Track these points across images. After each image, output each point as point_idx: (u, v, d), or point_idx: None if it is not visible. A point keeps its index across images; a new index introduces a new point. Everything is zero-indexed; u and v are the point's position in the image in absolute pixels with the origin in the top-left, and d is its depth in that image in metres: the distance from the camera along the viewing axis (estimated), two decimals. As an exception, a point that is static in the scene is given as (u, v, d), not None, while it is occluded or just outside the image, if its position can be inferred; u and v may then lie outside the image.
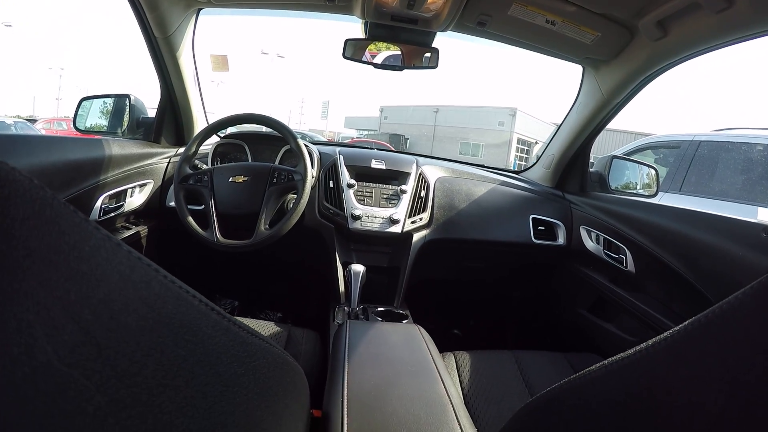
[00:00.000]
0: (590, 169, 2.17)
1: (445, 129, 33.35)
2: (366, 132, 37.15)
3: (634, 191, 2.18)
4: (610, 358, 0.45)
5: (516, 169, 2.63)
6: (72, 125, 1.98)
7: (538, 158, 2.43)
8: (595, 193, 2.12)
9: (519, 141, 31.84)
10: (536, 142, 33.33)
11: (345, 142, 22.68)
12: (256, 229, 1.62)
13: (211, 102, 2.03)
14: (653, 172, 2.17)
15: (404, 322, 1.59)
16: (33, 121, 18.22)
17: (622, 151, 4.84)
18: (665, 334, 0.39)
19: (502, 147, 31.04)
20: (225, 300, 2.53)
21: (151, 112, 2.08)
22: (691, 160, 4.06)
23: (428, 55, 1.84)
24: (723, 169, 3.90)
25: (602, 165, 2.12)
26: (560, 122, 2.21)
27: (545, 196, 2.20)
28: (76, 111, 2.00)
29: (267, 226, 1.64)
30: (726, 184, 3.83)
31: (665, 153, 4.60)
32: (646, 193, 2.16)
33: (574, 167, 2.21)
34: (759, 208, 3.35)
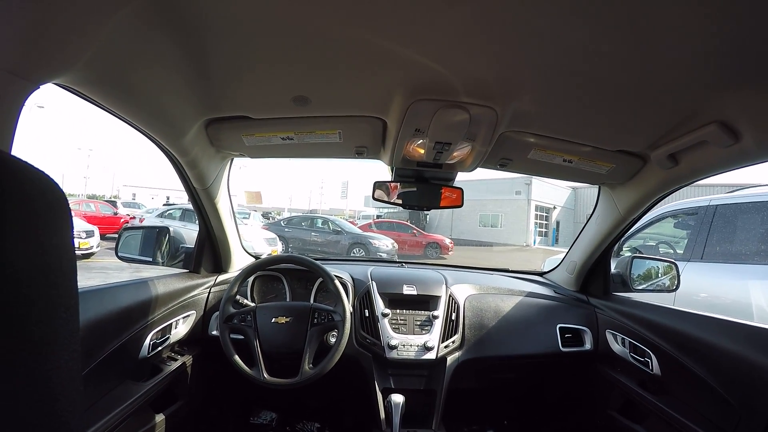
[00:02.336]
0: (612, 270, 2.22)
1: (464, 202, 33.48)
2: (386, 211, 37.37)
3: (656, 285, 2.22)
4: None
5: (540, 271, 2.68)
6: (115, 255, 2.05)
7: (561, 262, 2.50)
8: (619, 296, 2.19)
9: (537, 207, 31.70)
10: (554, 207, 33.20)
11: (370, 222, 22.72)
12: (300, 368, 1.70)
13: (234, 186, 2.16)
14: (672, 265, 2.20)
15: None
16: None
17: (643, 221, 4.86)
18: None
19: (520, 215, 30.87)
20: (264, 412, 2.57)
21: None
22: (709, 225, 4.03)
23: (453, 194, 1.93)
24: (742, 231, 3.86)
25: (623, 265, 2.18)
26: (580, 230, 2.29)
27: (570, 302, 2.27)
28: (118, 241, 2.10)
29: (311, 366, 1.73)
30: (746, 245, 3.77)
31: (684, 218, 4.55)
32: (668, 287, 2.19)
33: (596, 272, 2.27)
34: None
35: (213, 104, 1.39)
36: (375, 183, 1.92)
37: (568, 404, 2.42)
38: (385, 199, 1.95)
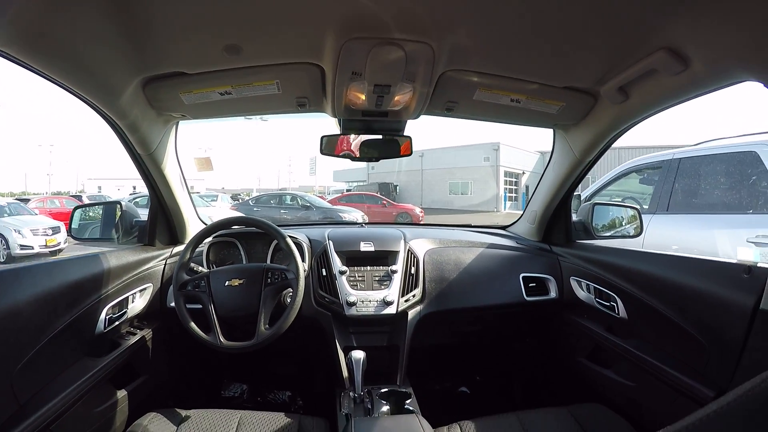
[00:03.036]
0: (574, 218, 2.21)
1: (433, 171, 33.55)
2: (355, 183, 37.32)
3: (620, 231, 2.22)
4: None
5: (502, 224, 2.67)
6: (68, 233, 2.00)
7: (522, 213, 2.50)
8: (581, 243, 2.19)
9: (506, 173, 32.02)
10: (523, 172, 33.56)
11: (339, 195, 22.76)
12: (256, 329, 1.67)
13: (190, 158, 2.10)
14: (635, 211, 2.20)
15: (407, 402, 1.63)
16: (26, 200, 18.11)
17: (608, 177, 4.91)
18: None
19: (490, 182, 31.17)
20: (234, 384, 2.56)
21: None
22: (673, 178, 4.12)
23: (403, 143, 1.93)
24: (705, 183, 3.98)
25: (585, 213, 2.17)
26: (539, 179, 2.27)
27: (533, 252, 2.27)
28: (71, 220, 2.09)
29: (267, 326, 1.70)
30: (710, 197, 3.90)
31: (649, 173, 4.66)
32: (633, 232, 2.19)
33: (557, 220, 2.26)
34: (738, 247, 3.40)
35: (147, 60, 1.34)
36: (322, 137, 1.91)
37: (539, 355, 2.44)
38: (334, 153, 1.93)
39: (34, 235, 10.93)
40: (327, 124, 1.95)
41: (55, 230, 11.48)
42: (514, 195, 33.20)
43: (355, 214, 14.92)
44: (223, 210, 14.60)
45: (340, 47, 1.27)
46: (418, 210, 19.09)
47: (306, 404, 2.50)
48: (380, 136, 1.93)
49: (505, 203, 30.81)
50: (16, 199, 17.60)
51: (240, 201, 23.00)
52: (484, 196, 30.67)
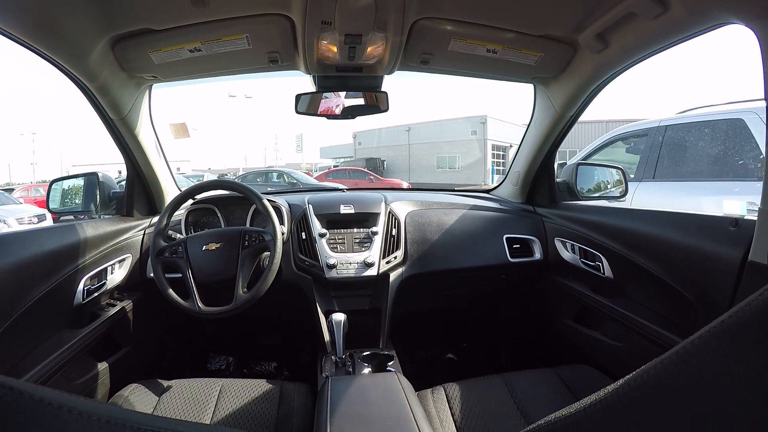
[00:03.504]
0: (557, 179, 2.19)
1: (420, 146, 33.53)
2: (342, 159, 37.18)
3: (605, 193, 2.20)
4: (604, 389, 0.47)
5: (486, 188, 2.65)
6: (46, 208, 1.95)
7: (506, 175, 2.47)
8: (565, 203, 2.16)
9: (494, 147, 32.05)
10: (510, 146, 33.58)
11: (326, 171, 22.67)
12: (234, 293, 1.64)
13: (187, 149, 2.06)
14: (619, 171, 2.19)
15: (390, 364, 1.60)
16: (10, 190, 18.11)
17: (593, 146, 4.90)
18: (653, 362, 0.41)
19: (477, 155, 31.24)
20: (219, 357, 2.55)
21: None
22: (660, 146, 4.12)
23: (378, 98, 1.91)
24: (692, 150, 3.98)
25: (568, 173, 2.15)
26: (521, 139, 2.24)
27: (517, 214, 2.24)
28: (48, 194, 2.04)
29: (245, 290, 1.66)
30: (697, 164, 3.90)
31: (635, 142, 4.66)
32: (617, 194, 2.18)
33: (540, 180, 2.23)
34: (724, 200, 3.41)
35: (114, 17, 1.32)
36: (296, 95, 1.88)
37: (525, 318, 2.44)
38: (310, 111, 1.92)
39: (20, 224, 10.85)
40: (305, 85, 1.91)
41: (41, 218, 11.43)
42: (502, 168, 33.27)
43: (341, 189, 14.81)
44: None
45: None
46: (405, 185, 19.05)
47: (292, 374, 2.49)
48: (356, 92, 1.91)
49: (492, 177, 30.90)
50: (1, 189, 17.45)
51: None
52: (472, 170, 30.73)
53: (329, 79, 1.82)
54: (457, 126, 31.88)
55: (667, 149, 4.09)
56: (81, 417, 0.32)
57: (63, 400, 0.32)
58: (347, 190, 2.54)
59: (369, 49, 1.55)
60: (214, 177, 24.46)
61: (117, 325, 1.75)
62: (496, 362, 2.53)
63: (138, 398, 1.43)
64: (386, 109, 1.92)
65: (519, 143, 2.28)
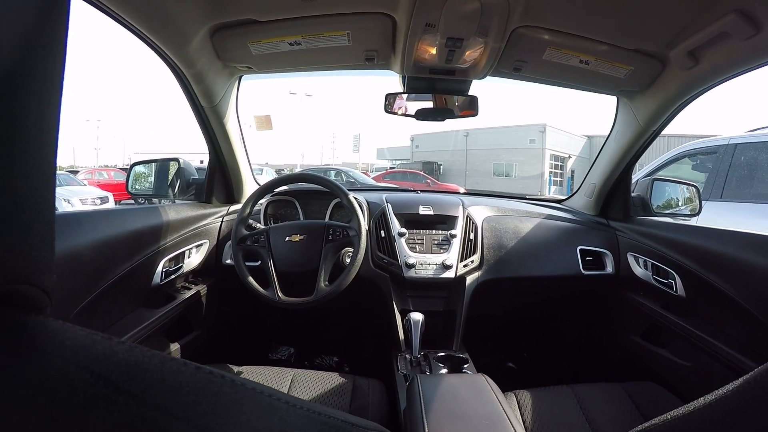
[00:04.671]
0: (632, 194, 2.18)
1: (477, 152, 33.18)
2: (399, 162, 37.23)
3: (678, 210, 2.17)
4: (676, 410, 0.46)
5: (558, 198, 2.62)
6: (126, 190, 2.08)
7: (579, 186, 2.44)
8: (639, 218, 2.12)
9: (551, 157, 31.41)
10: (569, 156, 32.85)
11: (383, 173, 22.69)
12: (316, 286, 1.67)
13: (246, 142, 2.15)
14: (694, 189, 2.15)
15: (465, 367, 1.63)
16: (75, 172, 18.64)
17: (659, 161, 4.80)
18: (737, 382, 0.39)
19: (534, 164, 30.64)
20: (282, 347, 2.59)
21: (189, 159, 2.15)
22: (729, 164, 3.98)
23: (468, 103, 1.90)
24: (762, 170, 3.81)
25: (644, 188, 2.11)
26: (598, 151, 2.21)
27: (590, 226, 2.20)
28: (128, 176, 2.10)
29: (327, 283, 1.69)
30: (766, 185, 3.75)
31: (702, 159, 4.50)
32: (689, 212, 2.14)
33: (616, 194, 2.19)
34: None
35: (218, 5, 1.35)
36: (387, 95, 1.89)
37: (591, 332, 2.38)
38: (398, 111, 1.92)
39: (83, 204, 11.26)
40: (383, 89, 1.91)
41: (104, 200, 11.84)
42: (559, 179, 32.62)
43: (399, 191, 14.84)
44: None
45: None
46: (462, 190, 18.92)
47: (353, 370, 2.44)
48: (447, 96, 1.91)
49: (549, 188, 30.30)
50: (66, 171, 18.17)
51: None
52: (529, 180, 30.17)
53: (419, 80, 1.82)
54: (516, 133, 31.42)
55: (737, 168, 3.93)
56: (289, 407, 0.34)
57: (269, 391, 0.34)
58: (420, 191, 2.53)
59: (467, 54, 1.56)
60: (272, 170, 24.87)
61: (190, 308, 1.80)
62: (557, 373, 2.51)
63: None
64: (476, 114, 1.91)
65: (596, 156, 2.26)
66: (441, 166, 33.33)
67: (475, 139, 33.46)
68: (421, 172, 22.58)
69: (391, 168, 30.14)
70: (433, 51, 1.55)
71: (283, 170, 30.10)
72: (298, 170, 23.36)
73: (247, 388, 0.32)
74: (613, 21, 1.39)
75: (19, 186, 0.29)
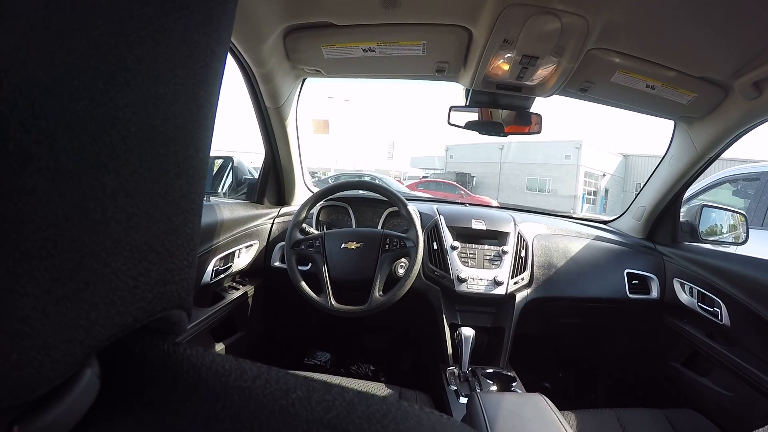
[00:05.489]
0: (681, 219, 2.18)
1: (511, 165, 32.86)
2: (432, 171, 37.10)
3: (725, 237, 2.15)
4: None
5: (603, 218, 2.61)
6: None
7: (627, 208, 2.43)
8: (687, 244, 2.11)
9: (586, 174, 30.99)
10: (603, 175, 32.30)
11: (417, 181, 22.60)
12: (370, 295, 1.66)
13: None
14: (741, 217, 2.14)
15: (513, 385, 1.64)
16: None
17: (700, 186, 4.77)
18: None
19: (568, 181, 30.19)
20: (318, 352, 2.56)
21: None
22: None
23: (534, 119, 1.88)
24: None
25: (692, 214, 2.12)
26: (650, 175, 2.21)
27: (637, 249, 2.19)
28: None
29: (381, 293, 1.68)
30: None
31: (744, 185, 4.43)
32: (736, 240, 2.13)
33: (665, 218, 2.18)
34: None
35: (298, 6, 1.34)
36: (451, 107, 1.88)
37: (630, 355, 2.36)
38: (460, 124, 1.91)
39: None
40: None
41: None
42: (592, 197, 32.17)
43: (433, 202, 14.74)
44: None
45: (500, 12, 1.24)
46: (495, 203, 18.69)
47: (389, 379, 2.42)
48: (508, 111, 1.90)
49: (582, 205, 29.85)
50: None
51: (318, 179, 23.31)
52: (562, 196, 29.89)
53: (483, 94, 1.80)
54: (551, 148, 31.02)
55: None
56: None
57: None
58: (468, 204, 2.52)
59: (539, 72, 1.56)
60: (306, 173, 24.79)
61: (237, 308, 1.80)
62: (593, 395, 2.47)
63: None
64: (539, 131, 1.90)
65: (647, 179, 2.24)
66: (474, 178, 33.05)
67: (510, 152, 33.12)
68: (455, 183, 22.51)
69: (424, 177, 30.08)
70: (506, 67, 1.55)
71: (316, 173, 30.09)
72: (331, 174, 23.37)
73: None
74: (684, 48, 1.39)
75: (173, 210, 0.28)
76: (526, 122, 1.89)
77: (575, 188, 30.09)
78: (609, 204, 32.19)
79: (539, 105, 1.87)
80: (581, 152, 30.33)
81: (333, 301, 1.68)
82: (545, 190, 31.75)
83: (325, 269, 1.72)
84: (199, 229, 0.33)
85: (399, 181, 23.16)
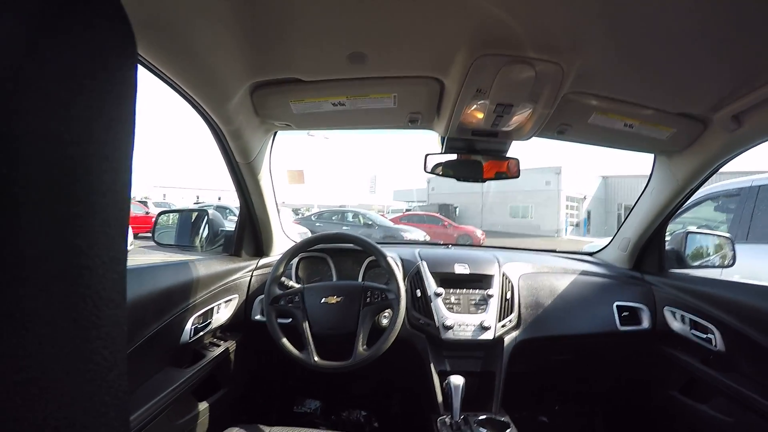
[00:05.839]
0: (666, 246, 2.17)
1: (494, 194, 33.16)
2: (416, 204, 37.32)
3: (711, 261, 2.14)
4: None
5: (589, 251, 2.60)
6: (152, 238, 2.08)
7: (612, 239, 2.43)
8: (675, 272, 2.10)
9: (568, 198, 31.39)
10: (584, 197, 32.75)
11: (400, 215, 22.61)
12: (354, 350, 1.63)
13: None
14: (727, 240, 2.12)
15: (507, 431, 1.60)
16: None
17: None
18: None
19: (551, 207, 30.56)
20: (307, 400, 2.51)
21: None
22: (753, 207, 3.96)
23: (510, 164, 1.87)
24: None
25: (678, 241, 2.12)
26: (632, 206, 2.22)
27: (625, 280, 2.18)
28: (155, 225, 2.11)
29: (365, 347, 1.65)
30: None
31: (724, 201, 4.47)
32: (724, 263, 2.10)
33: (650, 248, 2.18)
34: None
35: (262, 64, 1.32)
36: (426, 155, 1.85)
37: (626, 386, 2.34)
38: (437, 172, 1.88)
39: None
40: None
41: None
42: (575, 220, 32.47)
43: (417, 234, 14.88)
44: (286, 223, 14.90)
45: (470, 63, 1.22)
46: (479, 232, 18.85)
47: (381, 426, 2.43)
48: (482, 157, 1.88)
49: (566, 228, 30.16)
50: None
51: (301, 215, 23.25)
52: (545, 221, 30.15)
53: (460, 141, 1.78)
54: (532, 175, 31.38)
55: (760, 210, 3.90)
56: None
57: None
58: (451, 246, 2.53)
59: (514, 118, 1.53)
60: (289, 210, 24.80)
61: (219, 365, 1.76)
62: (590, 428, 2.47)
63: None
64: (517, 176, 1.87)
65: (629, 211, 2.25)
66: (457, 209, 33.35)
67: (491, 182, 33.48)
68: (438, 215, 22.60)
69: (407, 210, 30.20)
70: (480, 116, 1.52)
71: (299, 210, 30.08)
72: (315, 210, 23.39)
73: None
74: (660, 87, 1.39)
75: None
76: (503, 167, 1.88)
77: (558, 213, 30.34)
78: (592, 225, 32.48)
79: (517, 146, 1.85)
80: (561, 177, 30.74)
81: (316, 357, 1.65)
82: (528, 216, 32.00)
83: (306, 325, 1.69)
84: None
85: (382, 215, 23.20)
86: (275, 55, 1.27)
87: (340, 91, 1.49)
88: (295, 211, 27.66)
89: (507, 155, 1.87)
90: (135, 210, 17.72)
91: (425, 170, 1.88)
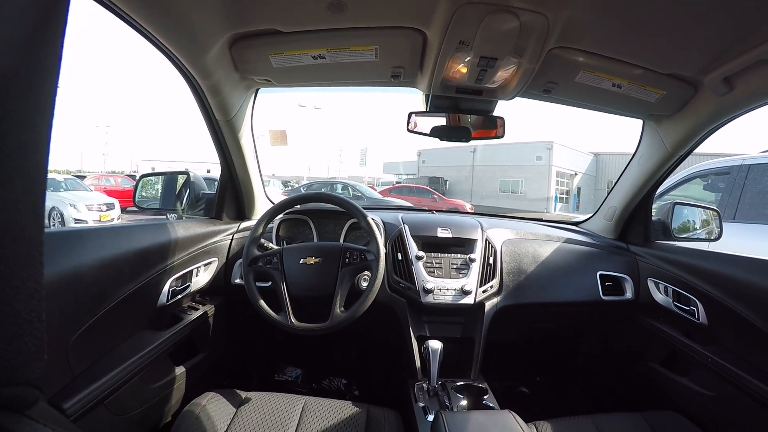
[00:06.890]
0: (653, 218, 2.15)
1: (484, 168, 33.25)
2: (405, 176, 37.30)
3: (698, 234, 2.13)
4: None
5: (575, 220, 2.58)
6: (132, 202, 2.04)
7: (598, 209, 2.40)
8: (660, 243, 2.08)
9: (558, 174, 31.45)
10: (575, 174, 32.87)
11: (389, 187, 22.69)
12: (331, 311, 1.59)
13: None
14: (715, 213, 2.10)
15: (485, 398, 1.59)
16: (82, 177, 18.29)
17: (670, 182, 4.77)
18: None
19: (541, 181, 30.69)
20: (289, 368, 2.52)
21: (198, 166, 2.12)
22: (742, 185, 3.96)
23: (494, 123, 1.83)
24: None
25: (664, 212, 2.08)
26: (619, 174, 2.18)
27: (609, 250, 2.16)
28: (136, 188, 2.07)
29: (342, 309, 1.62)
30: None
31: (714, 180, 4.48)
32: (710, 237, 2.09)
33: (636, 218, 2.16)
34: None
35: (240, 14, 1.28)
36: (410, 113, 1.82)
37: (608, 358, 2.33)
38: (421, 130, 1.84)
39: (89, 210, 11.14)
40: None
41: (110, 206, 11.66)
42: (565, 197, 32.60)
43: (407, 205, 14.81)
44: (275, 194, 14.85)
45: (453, 12, 1.18)
46: (468, 207, 18.81)
47: (362, 393, 2.42)
48: (471, 115, 1.84)
49: (555, 205, 30.29)
50: (73, 175, 18.02)
51: (291, 187, 23.18)
52: (535, 196, 30.22)
53: (444, 99, 1.74)
54: (523, 150, 31.45)
55: (749, 189, 3.91)
56: None
57: None
58: (435, 211, 2.47)
59: (498, 74, 1.50)
60: (278, 182, 24.83)
61: (197, 329, 1.72)
62: (572, 399, 2.44)
63: (215, 408, 1.40)
64: (502, 135, 1.84)
65: (617, 179, 2.24)
66: (447, 182, 33.40)
67: (482, 154, 33.53)
68: (428, 188, 22.59)
69: (397, 183, 30.19)
70: (464, 70, 1.49)
71: (289, 182, 30.06)
72: (304, 182, 23.32)
73: None
74: (650, 45, 1.35)
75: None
76: (490, 126, 1.84)
77: (548, 188, 30.44)
78: (582, 202, 32.66)
79: (502, 108, 1.80)
80: (552, 152, 30.82)
81: (293, 319, 1.60)
82: (518, 191, 32.08)
83: (283, 286, 1.65)
84: (42, 260, 0.30)
85: (372, 187, 23.18)
86: (253, 3, 1.24)
87: (320, 43, 1.44)
88: (285, 183, 27.68)
89: (494, 114, 1.82)
90: (123, 184, 17.57)
91: (408, 129, 1.85)
